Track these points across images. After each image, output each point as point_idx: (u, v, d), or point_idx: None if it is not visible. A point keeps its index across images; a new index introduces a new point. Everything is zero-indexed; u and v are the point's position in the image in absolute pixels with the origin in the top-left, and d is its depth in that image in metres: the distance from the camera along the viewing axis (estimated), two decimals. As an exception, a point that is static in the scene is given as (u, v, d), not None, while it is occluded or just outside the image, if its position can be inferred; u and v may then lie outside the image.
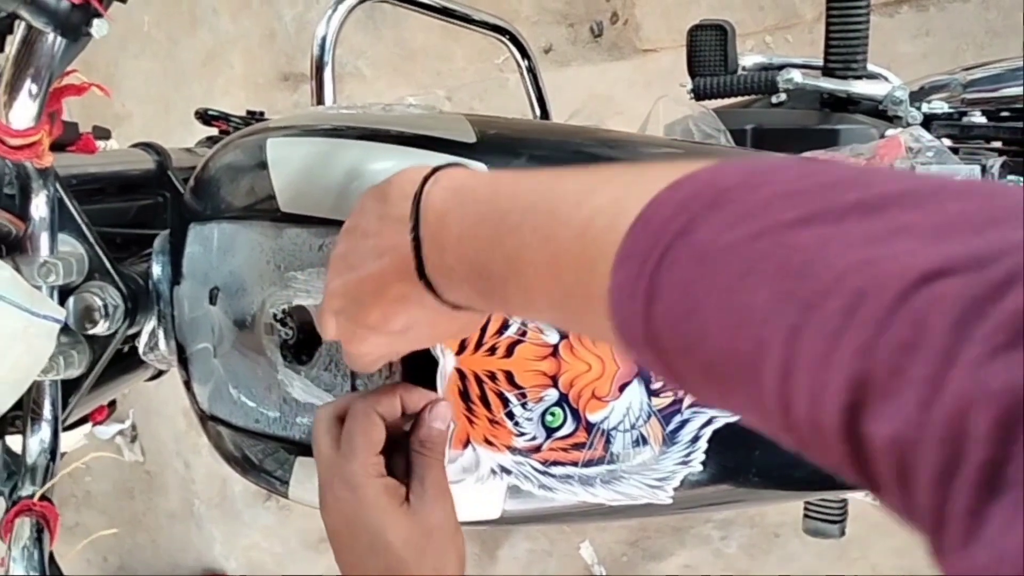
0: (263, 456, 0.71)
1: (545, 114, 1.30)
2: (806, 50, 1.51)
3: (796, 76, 0.97)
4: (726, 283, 0.31)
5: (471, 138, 0.63)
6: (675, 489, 0.64)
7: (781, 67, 1.02)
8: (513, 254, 0.42)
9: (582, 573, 2.06)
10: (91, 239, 0.72)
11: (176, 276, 0.72)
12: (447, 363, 0.61)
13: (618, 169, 0.42)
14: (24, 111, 0.58)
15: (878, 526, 1.68)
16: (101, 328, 0.71)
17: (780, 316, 0.29)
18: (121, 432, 2.42)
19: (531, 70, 1.27)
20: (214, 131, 1.28)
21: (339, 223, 0.61)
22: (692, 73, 1.08)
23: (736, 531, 1.89)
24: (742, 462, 0.65)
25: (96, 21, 0.57)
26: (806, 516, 1.11)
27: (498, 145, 0.64)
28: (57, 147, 0.83)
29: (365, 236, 0.51)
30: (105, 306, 0.71)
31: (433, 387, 0.60)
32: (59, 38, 0.56)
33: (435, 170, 0.50)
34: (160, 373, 0.95)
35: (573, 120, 1.04)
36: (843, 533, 1.11)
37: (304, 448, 0.66)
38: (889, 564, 1.71)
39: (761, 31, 1.80)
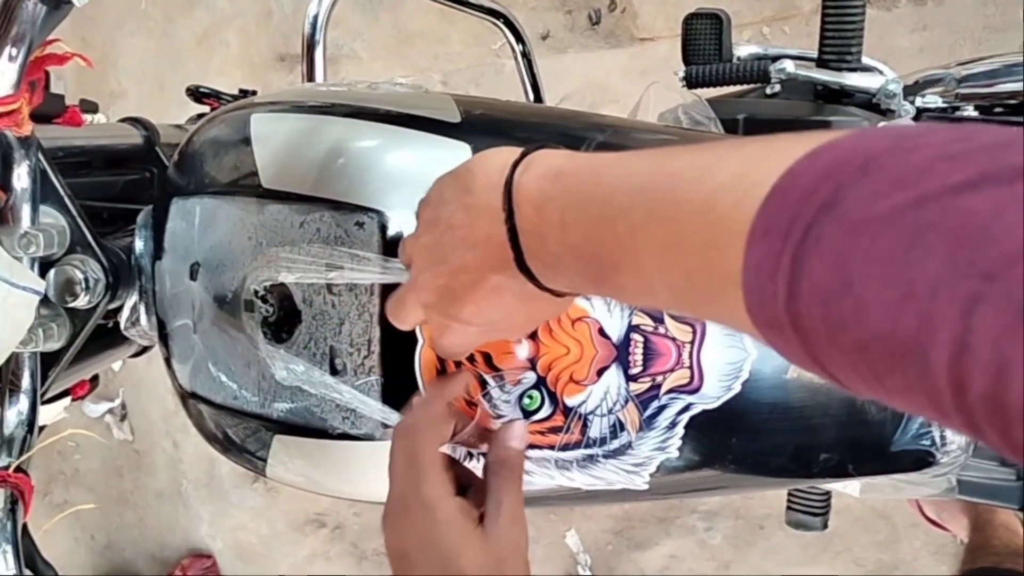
0: (243, 435, 0.70)
1: (539, 100, 1.29)
2: (803, 42, 1.51)
3: (789, 66, 0.97)
4: (886, 255, 0.29)
5: (456, 118, 0.62)
6: (651, 475, 0.64)
7: (776, 58, 1.01)
8: (625, 238, 0.40)
9: (567, 561, 2.06)
10: (74, 211, 0.71)
11: (158, 251, 0.71)
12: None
13: (734, 143, 0.39)
14: (3, 78, 0.58)
15: (862, 520, 1.68)
16: (82, 301, 0.70)
17: (955, 288, 0.27)
18: (111, 410, 2.42)
19: (526, 55, 1.26)
20: (206, 109, 1.27)
21: (321, 200, 0.61)
22: (686, 61, 1.07)
23: (721, 522, 1.89)
24: (719, 449, 0.64)
25: (78, -11, 0.56)
26: (789, 508, 1.11)
27: (483, 126, 0.63)
28: (44, 119, 0.82)
29: (451, 228, 0.49)
30: (86, 279, 0.70)
31: (411, 369, 0.60)
32: (39, 5, 0.56)
33: (523, 155, 0.47)
34: (144, 350, 0.95)
35: (564, 105, 1.04)
36: (825, 526, 1.11)
37: (282, 427, 0.66)
38: (872, 559, 1.71)
39: (758, 22, 1.79)
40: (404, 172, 0.60)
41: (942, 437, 0.65)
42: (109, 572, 2.44)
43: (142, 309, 0.74)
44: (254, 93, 1.29)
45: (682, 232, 0.37)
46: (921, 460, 0.66)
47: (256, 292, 0.64)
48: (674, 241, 0.38)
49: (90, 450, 2.46)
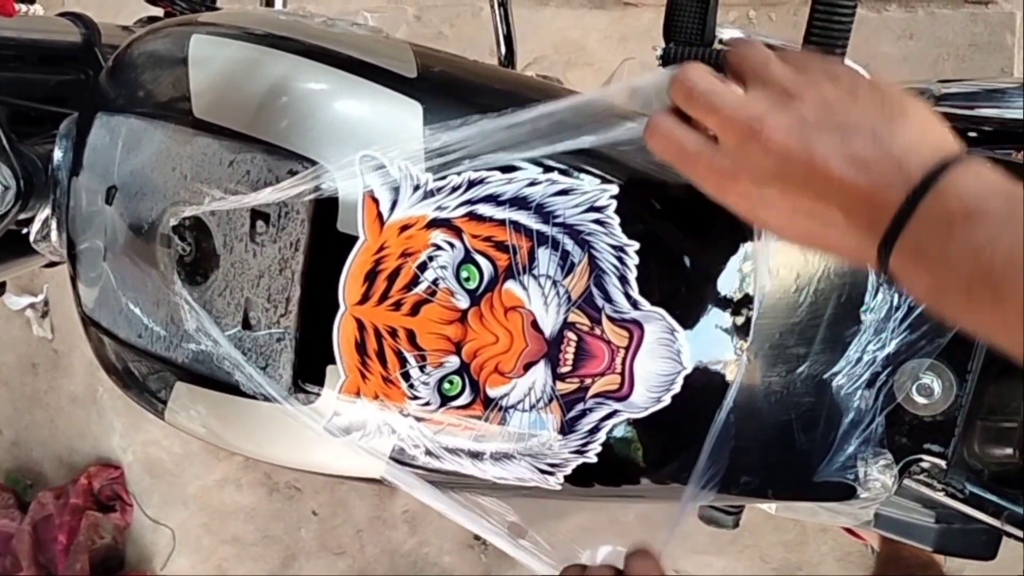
0: (144, 372, 0.66)
1: (510, 53, 1.24)
2: (788, 32, 1.47)
3: (771, 60, 0.93)
4: None
5: (412, 72, 0.58)
6: (566, 477, 0.61)
7: (758, 47, 0.98)
8: None
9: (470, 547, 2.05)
10: (-10, 110, 0.66)
11: (76, 166, 0.66)
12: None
13: None
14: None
15: (773, 519, 1.69)
16: (-13, 209, 0.65)
17: None
18: (32, 305, 2.34)
19: (503, 5, 1.21)
20: (159, 12, 1.20)
21: (256, 141, 0.57)
22: (667, 37, 1.03)
23: (635, 501, 1.89)
24: (639, 461, 0.62)
25: None
26: (703, 503, 1.10)
27: (439, 84, 0.59)
28: (-28, 4, 0.76)
29: (847, 136, 0.45)
30: (-5, 185, 0.65)
31: (328, 332, 0.56)
32: None
33: (965, 154, 0.44)
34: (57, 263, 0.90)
35: (536, 65, 0.99)
36: (736, 525, 1.10)
37: (187, 374, 0.62)
38: (778, 556, 1.72)
39: (746, 5, 1.74)
40: (348, 125, 0.56)
41: (867, 473, 0.63)
42: (13, 468, 2.38)
43: (53, 224, 0.69)
44: (214, 1, 1.21)
45: None
46: (842, 492, 0.64)
47: (175, 228, 0.60)
48: None
49: (7, 343, 2.38)
